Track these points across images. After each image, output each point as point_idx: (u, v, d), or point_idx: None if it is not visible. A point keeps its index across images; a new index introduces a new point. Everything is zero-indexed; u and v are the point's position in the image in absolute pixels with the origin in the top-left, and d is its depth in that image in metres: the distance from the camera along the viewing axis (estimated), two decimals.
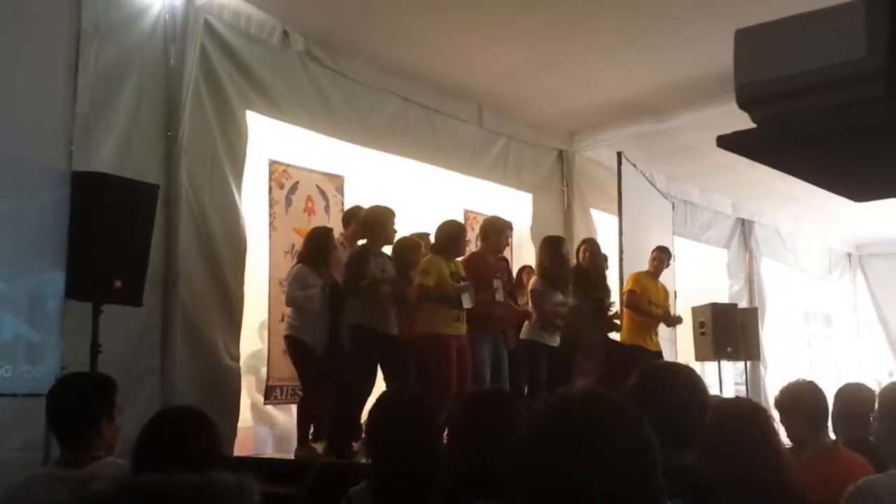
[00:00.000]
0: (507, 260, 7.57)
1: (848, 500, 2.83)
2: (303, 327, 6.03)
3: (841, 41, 1.33)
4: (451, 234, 6.47)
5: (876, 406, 3.31)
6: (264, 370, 6.94)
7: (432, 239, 6.64)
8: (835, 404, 3.87)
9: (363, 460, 3.74)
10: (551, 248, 7.28)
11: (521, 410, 2.73)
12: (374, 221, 6.23)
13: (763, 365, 12.03)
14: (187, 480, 1.47)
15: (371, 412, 3.22)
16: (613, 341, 7.98)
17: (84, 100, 5.44)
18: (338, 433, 5.93)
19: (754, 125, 1.44)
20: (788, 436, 3.68)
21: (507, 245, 7.19)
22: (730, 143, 1.47)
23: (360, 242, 6.41)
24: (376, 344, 5.98)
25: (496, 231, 6.96)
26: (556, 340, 7.07)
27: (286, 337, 6.14)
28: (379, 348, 6.00)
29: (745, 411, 2.88)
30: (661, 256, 8.44)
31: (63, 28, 5.36)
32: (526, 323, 7.05)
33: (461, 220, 8.49)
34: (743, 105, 1.46)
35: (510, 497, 1.43)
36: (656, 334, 8.25)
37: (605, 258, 8.06)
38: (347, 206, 7.26)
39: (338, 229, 6.85)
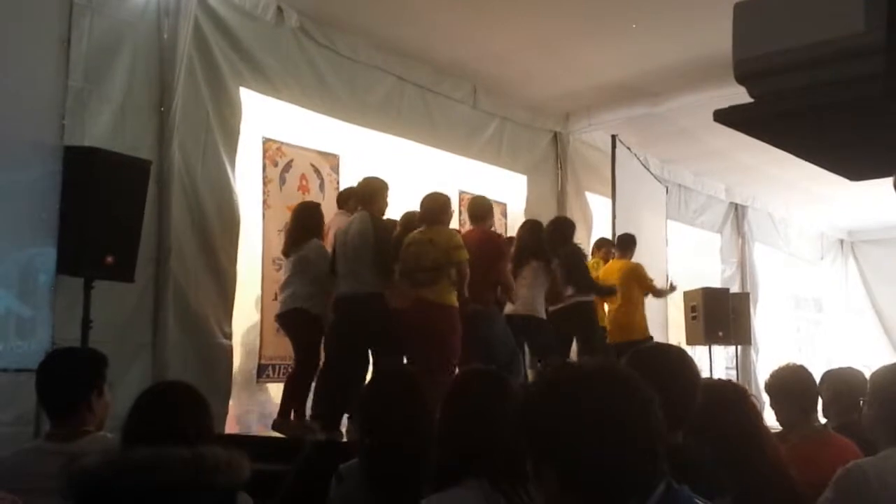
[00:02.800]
0: None
1: (836, 482, 2.84)
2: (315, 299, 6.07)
3: (839, 16, 1.32)
4: (442, 202, 6.37)
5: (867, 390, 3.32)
6: (257, 348, 6.94)
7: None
8: (824, 389, 3.88)
9: (354, 436, 3.74)
10: (536, 233, 7.28)
11: (513, 388, 2.74)
12: (375, 192, 6.17)
13: (755, 349, 12.08)
14: (177, 454, 1.47)
15: (364, 389, 3.22)
16: None
17: (76, 74, 5.40)
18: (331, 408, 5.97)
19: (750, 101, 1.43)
20: (778, 420, 3.69)
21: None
22: (726, 117, 1.45)
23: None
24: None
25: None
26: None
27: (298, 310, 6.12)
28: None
29: (727, 393, 2.89)
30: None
31: (54, 1, 5.31)
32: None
33: (455, 200, 8.51)
34: (740, 79, 1.45)
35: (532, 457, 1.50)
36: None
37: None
38: (343, 185, 7.24)
39: (332, 207, 6.87)
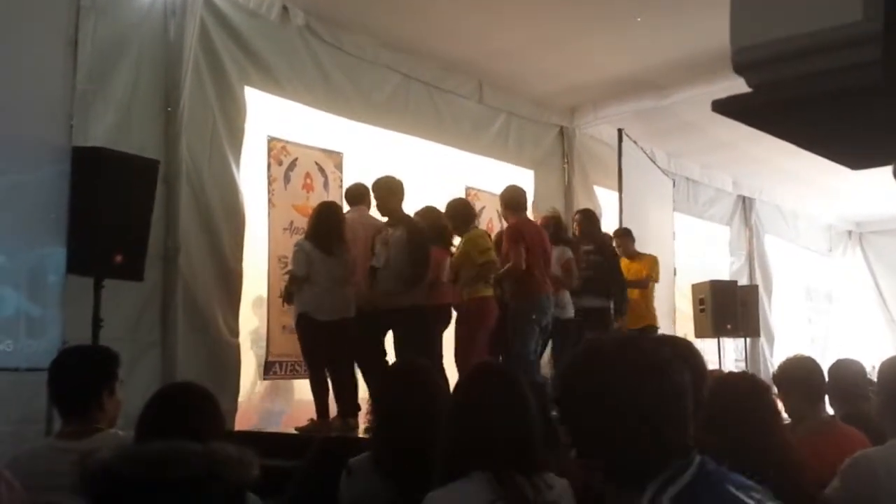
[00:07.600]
0: None
1: (844, 472, 2.85)
2: None
3: (837, 4, 1.33)
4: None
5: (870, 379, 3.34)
6: (263, 345, 6.97)
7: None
8: (828, 380, 3.89)
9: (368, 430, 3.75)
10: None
11: (521, 381, 2.76)
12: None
13: (768, 341, 12.07)
14: (189, 448, 1.49)
15: (380, 383, 3.24)
16: None
17: (83, 75, 5.42)
18: None
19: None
20: (786, 411, 3.70)
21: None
22: (725, 107, 1.46)
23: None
24: None
25: None
26: None
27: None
28: None
29: (746, 386, 2.90)
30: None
31: (62, 2, 5.33)
32: None
33: (462, 196, 8.51)
34: (738, 69, 1.46)
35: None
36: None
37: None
38: (347, 183, 7.22)
39: None
